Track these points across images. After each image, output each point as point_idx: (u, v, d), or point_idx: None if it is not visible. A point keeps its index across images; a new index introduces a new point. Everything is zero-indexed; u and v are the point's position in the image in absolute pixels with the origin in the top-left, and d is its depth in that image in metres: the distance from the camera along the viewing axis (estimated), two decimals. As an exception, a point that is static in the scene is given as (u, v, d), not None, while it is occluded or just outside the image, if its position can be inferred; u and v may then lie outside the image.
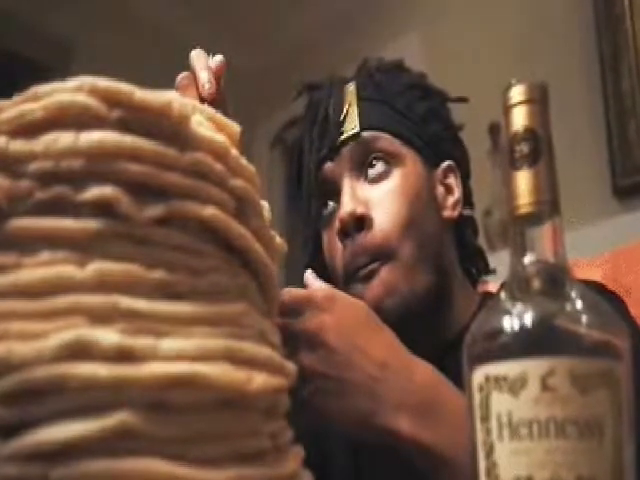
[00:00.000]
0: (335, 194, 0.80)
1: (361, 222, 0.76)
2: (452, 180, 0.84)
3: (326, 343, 0.58)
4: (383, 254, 0.75)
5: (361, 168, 0.80)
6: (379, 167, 0.79)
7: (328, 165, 0.81)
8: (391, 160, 0.80)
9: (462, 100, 0.90)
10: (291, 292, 0.60)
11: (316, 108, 0.83)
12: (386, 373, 0.58)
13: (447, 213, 0.82)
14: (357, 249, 0.76)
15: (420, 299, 0.76)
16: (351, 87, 0.83)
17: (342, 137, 0.80)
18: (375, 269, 0.75)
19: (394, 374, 0.58)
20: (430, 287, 0.76)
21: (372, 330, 0.60)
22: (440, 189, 0.83)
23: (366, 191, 0.79)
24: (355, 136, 0.80)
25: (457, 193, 0.84)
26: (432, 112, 0.84)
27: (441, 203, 0.82)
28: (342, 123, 0.81)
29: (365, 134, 0.80)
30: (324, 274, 0.78)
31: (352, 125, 0.80)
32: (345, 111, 0.81)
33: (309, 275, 0.66)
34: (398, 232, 0.76)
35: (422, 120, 0.83)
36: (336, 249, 0.79)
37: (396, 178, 0.79)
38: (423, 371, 0.60)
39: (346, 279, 0.77)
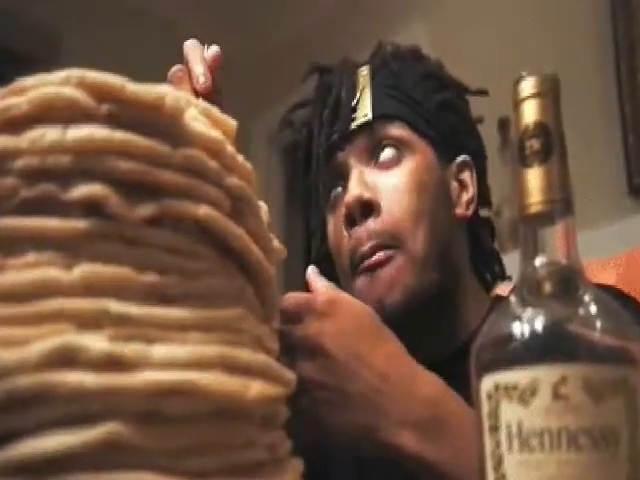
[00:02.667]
0: (343, 179, 0.81)
1: (368, 208, 0.76)
2: (467, 176, 0.84)
3: (325, 351, 0.58)
4: (391, 242, 0.75)
5: (372, 154, 0.80)
6: (390, 153, 0.80)
7: (338, 152, 0.81)
8: (402, 147, 0.80)
9: (481, 93, 0.89)
10: (291, 297, 0.60)
11: (327, 91, 0.84)
12: (389, 385, 0.58)
13: (460, 211, 0.82)
14: (363, 235, 0.76)
15: (425, 296, 0.75)
16: (364, 72, 0.84)
17: (354, 124, 0.81)
18: (382, 260, 0.75)
19: (397, 386, 0.58)
20: (437, 285, 0.76)
21: (375, 338, 0.60)
22: (454, 185, 0.83)
23: (375, 177, 0.79)
24: (367, 123, 0.80)
25: (472, 190, 0.83)
26: (448, 103, 0.84)
27: (454, 200, 0.82)
28: (354, 109, 0.81)
29: (377, 121, 0.80)
30: (329, 268, 0.78)
31: (364, 112, 0.81)
32: (357, 96, 0.82)
33: (311, 272, 0.65)
34: (407, 221, 0.76)
35: (437, 111, 0.83)
36: (341, 236, 0.79)
37: (407, 166, 0.79)
38: (428, 383, 0.59)
39: (351, 269, 0.77)
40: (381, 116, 0.80)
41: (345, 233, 0.78)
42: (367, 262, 0.75)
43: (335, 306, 0.60)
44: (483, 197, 0.87)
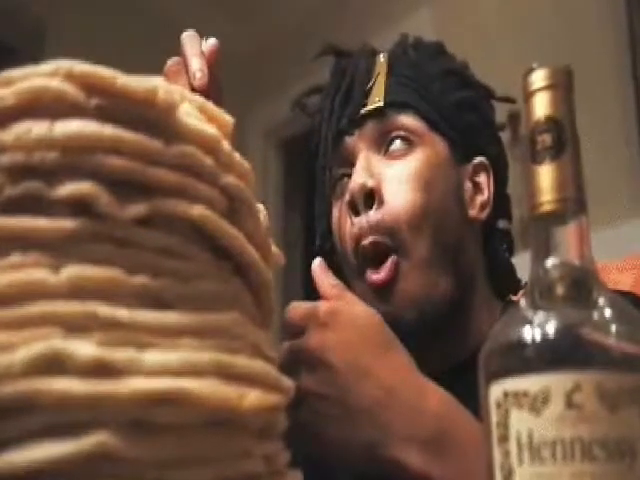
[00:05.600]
0: (350, 165, 0.81)
1: (371, 198, 0.77)
2: (483, 178, 0.84)
3: (327, 363, 0.57)
4: (391, 244, 0.75)
5: (381, 144, 0.81)
6: (399, 145, 0.80)
7: (347, 137, 0.82)
8: (413, 139, 0.80)
9: (508, 100, 0.89)
10: (294, 308, 0.60)
11: (341, 76, 0.84)
12: (394, 398, 0.57)
13: (473, 213, 0.82)
14: (364, 225, 0.76)
15: (438, 308, 0.75)
16: (382, 59, 0.84)
17: (365, 109, 0.81)
18: (389, 277, 0.75)
19: (403, 400, 0.57)
20: (449, 293, 0.76)
21: (380, 349, 0.60)
22: (468, 185, 0.83)
23: (382, 166, 0.79)
24: (378, 110, 0.81)
25: (487, 193, 0.83)
26: (469, 102, 0.84)
27: (467, 201, 0.82)
28: (367, 94, 0.82)
29: (389, 109, 0.81)
30: (333, 260, 0.78)
31: (377, 98, 0.81)
32: (372, 82, 0.82)
33: (318, 267, 0.65)
34: (410, 218, 0.76)
35: (456, 108, 0.83)
36: (345, 223, 0.80)
37: (415, 158, 0.79)
38: (435, 397, 0.59)
39: (357, 265, 0.78)
40: (393, 104, 0.81)
41: (348, 219, 0.79)
42: (374, 275, 0.75)
43: (338, 316, 0.59)
44: (501, 207, 0.87)
